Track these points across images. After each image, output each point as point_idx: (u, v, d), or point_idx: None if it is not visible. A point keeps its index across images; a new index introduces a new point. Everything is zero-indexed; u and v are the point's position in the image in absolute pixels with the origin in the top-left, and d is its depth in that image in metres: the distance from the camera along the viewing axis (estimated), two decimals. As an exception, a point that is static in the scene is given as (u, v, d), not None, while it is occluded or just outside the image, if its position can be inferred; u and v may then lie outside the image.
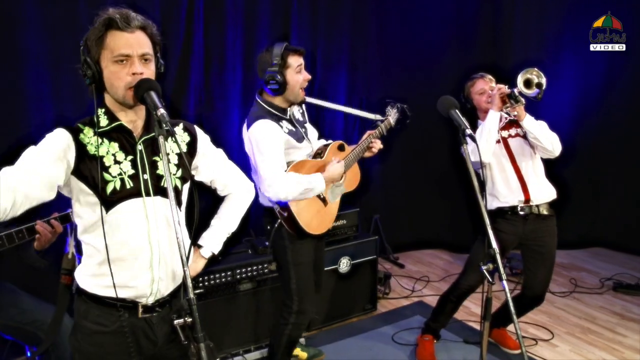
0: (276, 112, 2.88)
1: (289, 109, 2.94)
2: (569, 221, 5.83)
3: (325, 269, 3.68)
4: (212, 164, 2.10)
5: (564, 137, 5.48)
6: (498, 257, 2.29)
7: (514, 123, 3.41)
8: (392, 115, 3.22)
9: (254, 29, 4.36)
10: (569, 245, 5.85)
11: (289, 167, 2.86)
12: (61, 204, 2.47)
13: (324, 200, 3.00)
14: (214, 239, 2.18)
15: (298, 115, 3.03)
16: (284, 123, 2.88)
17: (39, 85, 3.48)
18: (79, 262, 2.04)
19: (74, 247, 2.16)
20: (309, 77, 2.89)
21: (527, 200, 3.35)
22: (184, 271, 1.54)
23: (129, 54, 1.69)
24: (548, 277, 3.50)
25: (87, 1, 3.54)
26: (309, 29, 4.65)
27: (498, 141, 3.37)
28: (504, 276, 2.27)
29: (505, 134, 3.43)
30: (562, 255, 5.69)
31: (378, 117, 3.22)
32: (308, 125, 3.12)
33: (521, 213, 3.37)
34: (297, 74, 2.83)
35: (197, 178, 2.05)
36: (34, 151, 1.71)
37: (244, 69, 4.37)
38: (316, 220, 2.96)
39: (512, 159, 3.38)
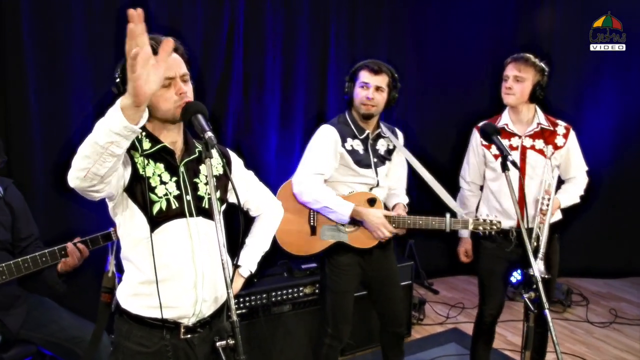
0: (352, 128, 2.89)
1: (369, 132, 2.92)
2: (608, 250, 5.70)
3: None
4: (245, 186, 2.15)
5: (603, 163, 5.43)
6: (540, 284, 2.23)
7: (546, 136, 3.07)
8: (471, 225, 2.88)
9: (293, 53, 4.39)
10: (607, 275, 5.70)
11: (331, 186, 2.89)
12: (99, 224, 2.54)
13: (313, 230, 2.91)
14: (251, 258, 2.19)
15: (380, 148, 2.97)
16: (354, 141, 2.88)
17: (84, 103, 3.55)
18: (119, 281, 2.06)
19: (114, 266, 2.18)
20: (370, 96, 2.80)
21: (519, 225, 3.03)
22: (228, 293, 1.53)
23: (173, 76, 1.72)
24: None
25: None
26: (347, 52, 4.62)
27: (515, 148, 3.06)
28: (546, 305, 2.21)
29: (528, 142, 3.07)
30: (601, 285, 5.53)
31: (460, 212, 2.95)
32: (389, 166, 3.01)
33: (512, 236, 3.09)
34: (359, 88, 2.84)
35: (230, 200, 2.06)
36: None
37: (283, 92, 4.39)
38: (292, 238, 2.90)
39: (522, 175, 3.03)
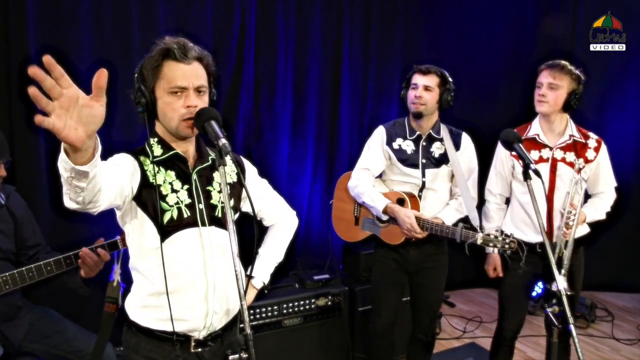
0: (405, 128, 3.13)
1: (421, 133, 3.09)
2: (634, 262, 5.61)
3: (364, 308, 3.79)
4: (259, 195, 2.13)
5: (628, 172, 5.37)
6: (564, 298, 2.19)
7: (578, 148, 3.02)
8: (480, 240, 2.72)
9: (305, 57, 4.40)
10: (634, 289, 5.60)
11: (385, 184, 3.19)
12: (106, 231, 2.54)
13: (356, 220, 3.29)
14: (264, 269, 2.16)
15: (435, 150, 3.08)
16: (404, 141, 3.10)
17: None
18: (123, 290, 2.08)
19: (119, 275, 2.18)
20: (418, 95, 3.00)
21: (549, 236, 2.97)
22: (241, 305, 1.51)
23: (185, 86, 1.71)
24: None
25: (140, 26, 3.63)
26: (360, 59, 4.67)
27: (546, 160, 3.03)
28: (571, 320, 2.17)
29: (559, 154, 3.03)
30: (627, 299, 5.45)
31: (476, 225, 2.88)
32: (445, 169, 3.07)
33: (539, 250, 3.02)
34: (410, 90, 3.07)
35: (244, 208, 2.06)
36: (108, 161, 1.73)
37: (294, 97, 4.40)
38: (341, 225, 3.39)
39: (550, 187, 3.01)
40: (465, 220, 2.96)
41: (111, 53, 3.55)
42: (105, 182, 1.50)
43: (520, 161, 2.93)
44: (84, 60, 3.50)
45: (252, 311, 3.39)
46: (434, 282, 3.21)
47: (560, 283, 2.20)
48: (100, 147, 1.33)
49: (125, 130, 3.54)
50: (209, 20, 3.93)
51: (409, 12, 4.88)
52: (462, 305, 5.26)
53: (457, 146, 3.08)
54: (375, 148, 3.13)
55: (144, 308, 1.83)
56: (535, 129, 3.09)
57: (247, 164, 2.08)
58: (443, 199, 3.12)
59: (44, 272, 2.49)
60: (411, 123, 3.11)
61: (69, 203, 1.45)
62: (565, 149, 3.03)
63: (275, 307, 3.48)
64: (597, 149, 3.06)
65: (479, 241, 2.73)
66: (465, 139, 3.14)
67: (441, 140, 3.08)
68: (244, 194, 2.00)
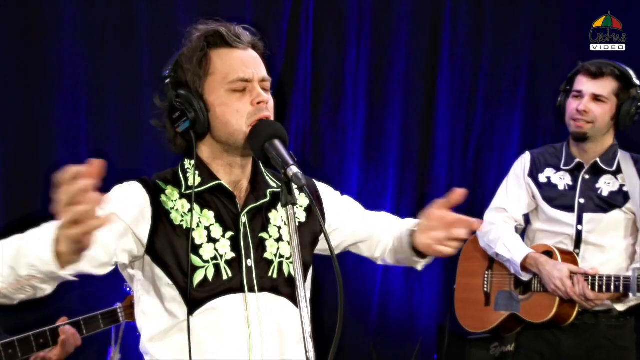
0: (561, 154, 3.07)
1: (582, 161, 2.99)
2: None
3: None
4: (354, 217, 2.06)
5: None
6: None
7: None
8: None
9: (386, 47, 4.34)
10: None
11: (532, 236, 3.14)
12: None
13: (487, 298, 3.19)
14: None
15: (603, 187, 2.97)
16: (555, 172, 3.05)
17: (75, 115, 3.51)
18: None
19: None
20: (581, 108, 2.87)
21: None
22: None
23: (249, 77, 1.69)
24: None
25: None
26: (466, 47, 4.55)
27: None
28: None
29: None
30: None
31: None
32: (618, 217, 2.94)
33: None
34: (571, 99, 2.96)
35: (336, 249, 2.03)
36: None
37: (369, 106, 4.33)
38: (467, 310, 3.31)
39: None
40: None
41: (104, 33, 3.52)
42: None
43: None
44: (64, 45, 3.44)
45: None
46: None
47: None
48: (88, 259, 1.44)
49: (125, 142, 3.50)
50: (248, -8, 3.90)
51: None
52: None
53: None
54: (514, 181, 3.11)
55: None
56: None
57: (320, 186, 2.03)
58: (615, 262, 2.92)
59: (2, 358, 2.44)
60: (570, 147, 3.03)
61: None
62: None
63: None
64: None
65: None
66: None
67: (615, 172, 2.94)
68: (322, 236, 1.94)
